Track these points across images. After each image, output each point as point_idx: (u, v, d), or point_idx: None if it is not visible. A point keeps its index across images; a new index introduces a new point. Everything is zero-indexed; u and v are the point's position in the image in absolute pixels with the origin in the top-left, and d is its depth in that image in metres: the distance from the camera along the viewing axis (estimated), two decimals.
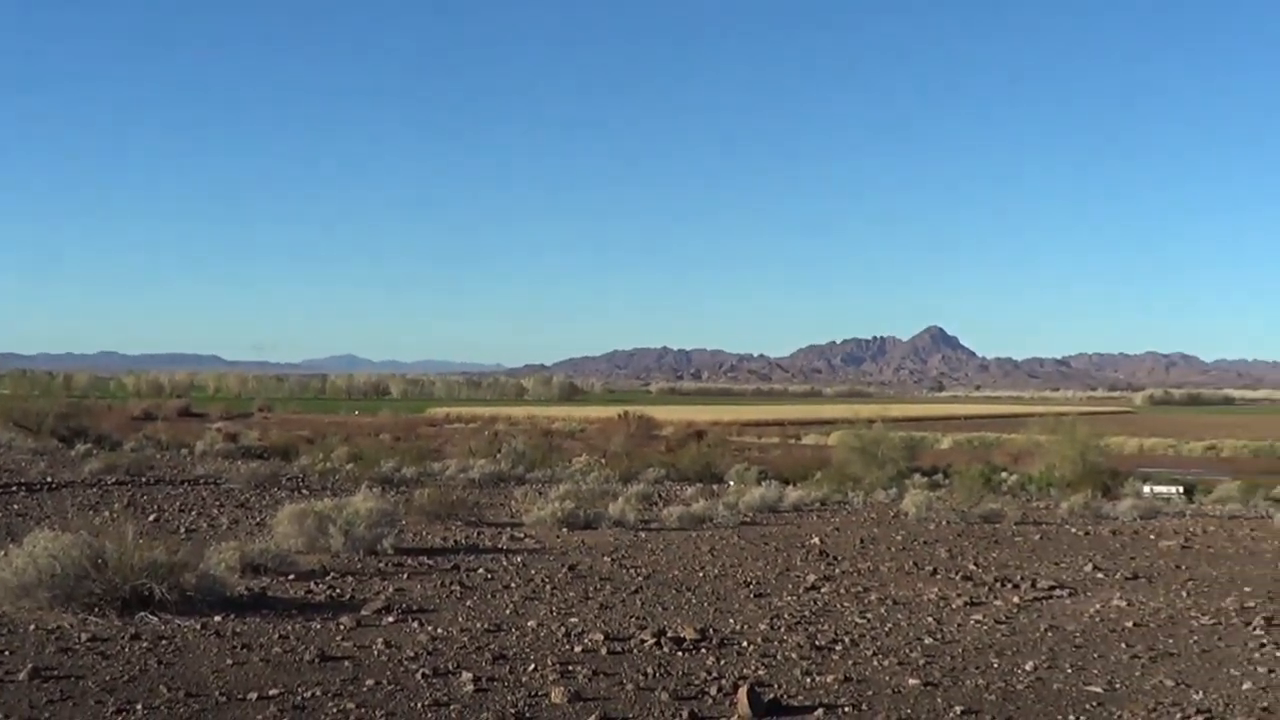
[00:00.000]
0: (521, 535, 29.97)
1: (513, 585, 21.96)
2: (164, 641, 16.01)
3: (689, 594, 21.61)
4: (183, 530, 28.39)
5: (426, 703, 13.25)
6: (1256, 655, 17.17)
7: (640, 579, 23.28)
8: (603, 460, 62.72)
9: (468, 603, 20.04)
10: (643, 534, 30.99)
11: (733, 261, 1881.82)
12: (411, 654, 15.72)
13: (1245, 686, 15.09)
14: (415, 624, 17.94)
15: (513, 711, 13.03)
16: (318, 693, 13.52)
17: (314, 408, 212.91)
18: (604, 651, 16.21)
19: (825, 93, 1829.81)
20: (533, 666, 15.11)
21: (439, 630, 17.47)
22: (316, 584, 21.37)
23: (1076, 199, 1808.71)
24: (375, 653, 15.74)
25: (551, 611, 19.39)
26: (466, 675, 14.36)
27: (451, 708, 13.12)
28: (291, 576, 21.93)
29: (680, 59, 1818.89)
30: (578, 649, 16.34)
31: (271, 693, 13.47)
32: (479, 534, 29.95)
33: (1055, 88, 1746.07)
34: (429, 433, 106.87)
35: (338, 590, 20.88)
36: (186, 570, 18.56)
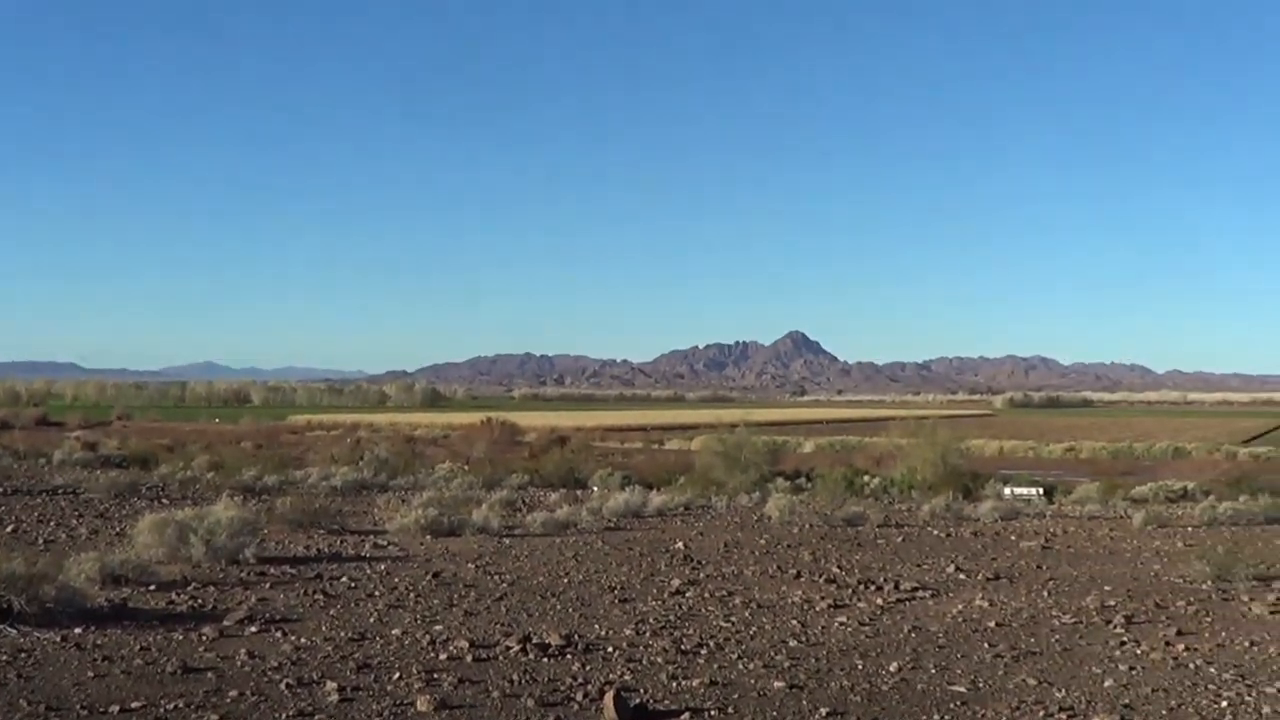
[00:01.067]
0: (385, 543, 29.84)
1: (377, 593, 21.89)
2: (23, 654, 15.82)
3: (554, 600, 21.64)
4: (41, 541, 28.05)
5: (291, 713, 13.17)
6: (1117, 653, 17.52)
7: (505, 586, 23.28)
8: (466, 467, 62.50)
9: (331, 612, 19.95)
10: (507, 540, 30.95)
11: (595, 266, 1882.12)
12: (275, 664, 15.63)
13: (1107, 684, 15.39)
14: (279, 634, 17.84)
15: None
16: (180, 705, 13.40)
17: (174, 416, 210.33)
18: (469, 659, 16.21)
19: (685, 96, 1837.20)
20: (398, 675, 15.09)
21: (303, 640, 17.38)
22: (178, 594, 21.16)
23: (936, 204, 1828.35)
24: (238, 663, 15.63)
25: (416, 619, 19.35)
26: (331, 685, 14.31)
27: (316, 718, 13.06)
28: (153, 587, 21.71)
29: (527, 58, 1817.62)
30: (443, 657, 16.33)
31: (134, 705, 13.34)
32: (342, 542, 29.81)
33: (910, 90, 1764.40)
34: (290, 440, 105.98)
35: (200, 600, 20.70)
36: (46, 582, 18.33)
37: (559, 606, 20.98)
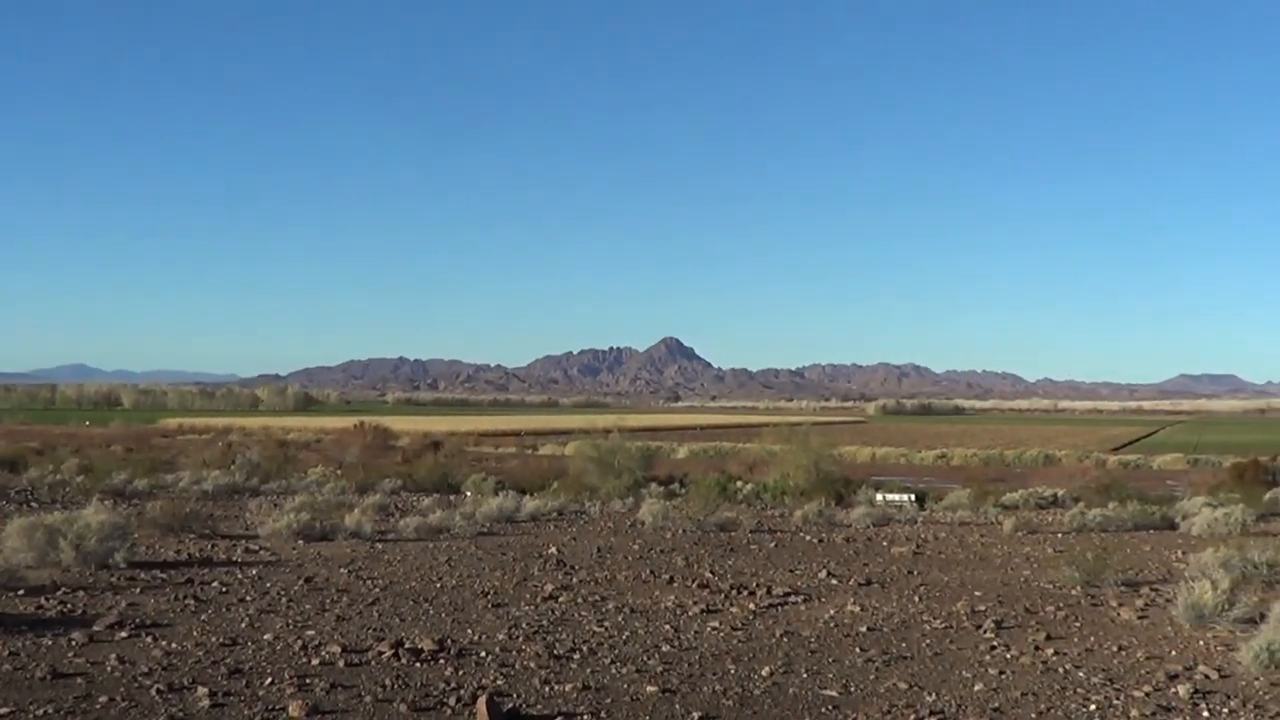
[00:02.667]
0: (257, 548, 29.67)
1: (248, 598, 21.77)
2: None
3: (427, 605, 21.61)
4: None
5: (161, 719, 13.12)
6: (987, 657, 17.76)
7: (377, 590, 23.23)
8: (338, 471, 62.04)
9: (202, 617, 19.82)
10: (379, 545, 30.88)
11: (470, 270, 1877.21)
12: (145, 669, 15.52)
13: (977, 688, 15.61)
14: (149, 639, 17.69)
15: None
16: (50, 711, 13.30)
17: (43, 418, 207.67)
18: (342, 664, 16.18)
19: (558, 101, 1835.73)
20: (269, 680, 15.03)
21: (173, 645, 17.26)
22: (47, 599, 20.93)
23: (810, 211, 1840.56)
24: (108, 669, 15.51)
25: (288, 624, 19.27)
26: (202, 690, 14.24)
27: None
28: (21, 592, 21.45)
29: (407, 60, 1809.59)
30: (315, 662, 16.29)
31: (2, 711, 13.21)
32: (213, 547, 29.60)
33: (781, 97, 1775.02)
34: (162, 444, 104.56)
35: (69, 605, 20.48)
36: None
37: (432, 611, 20.96)
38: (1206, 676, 16.50)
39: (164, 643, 17.40)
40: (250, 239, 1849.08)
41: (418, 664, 16.34)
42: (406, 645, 17.30)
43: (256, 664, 16.09)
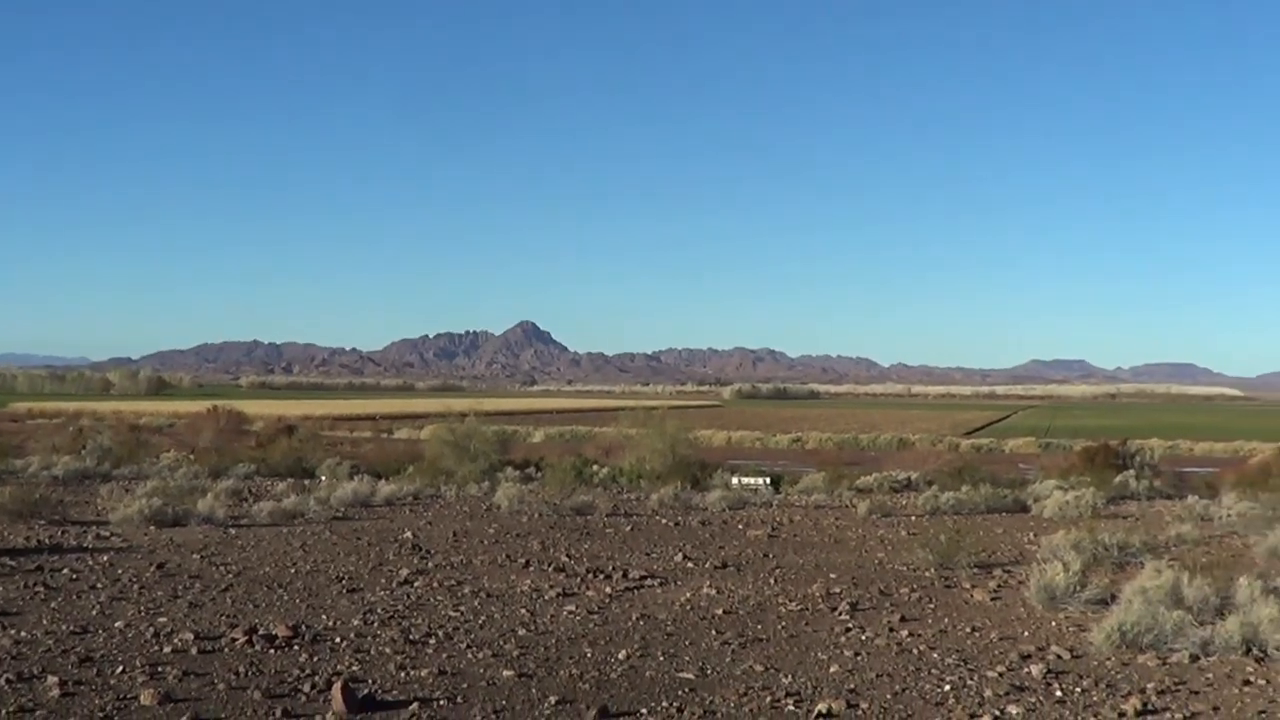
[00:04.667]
0: (108, 534, 29.33)
1: (99, 585, 21.54)
2: None
3: (281, 591, 21.50)
4: None
5: (11, 709, 12.93)
6: (843, 639, 17.99)
7: (231, 576, 23.06)
8: (191, 456, 61.35)
9: (52, 604, 19.59)
10: (233, 530, 30.62)
11: (324, 252, 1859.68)
12: None
13: (833, 669, 15.79)
14: None
15: (101, 715, 12.83)
16: None
17: None
18: (194, 651, 16.08)
19: (414, 94, 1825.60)
20: (121, 668, 14.90)
21: (22, 633, 17.06)
22: None
23: (664, 196, 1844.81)
24: None
25: (140, 611, 19.09)
26: (52, 679, 14.08)
27: (37, 714, 12.84)
28: None
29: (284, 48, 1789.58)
30: (167, 649, 16.16)
31: None
32: (63, 533, 29.22)
33: (635, 80, 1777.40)
34: (10, 429, 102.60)
35: None
36: None
37: (286, 597, 20.87)
38: (1059, 656, 16.85)
39: (13, 631, 17.22)
40: (100, 219, 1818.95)
41: (272, 650, 16.28)
42: (260, 632, 17.21)
43: (108, 652, 15.94)
